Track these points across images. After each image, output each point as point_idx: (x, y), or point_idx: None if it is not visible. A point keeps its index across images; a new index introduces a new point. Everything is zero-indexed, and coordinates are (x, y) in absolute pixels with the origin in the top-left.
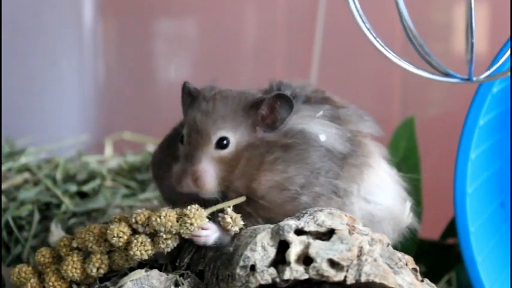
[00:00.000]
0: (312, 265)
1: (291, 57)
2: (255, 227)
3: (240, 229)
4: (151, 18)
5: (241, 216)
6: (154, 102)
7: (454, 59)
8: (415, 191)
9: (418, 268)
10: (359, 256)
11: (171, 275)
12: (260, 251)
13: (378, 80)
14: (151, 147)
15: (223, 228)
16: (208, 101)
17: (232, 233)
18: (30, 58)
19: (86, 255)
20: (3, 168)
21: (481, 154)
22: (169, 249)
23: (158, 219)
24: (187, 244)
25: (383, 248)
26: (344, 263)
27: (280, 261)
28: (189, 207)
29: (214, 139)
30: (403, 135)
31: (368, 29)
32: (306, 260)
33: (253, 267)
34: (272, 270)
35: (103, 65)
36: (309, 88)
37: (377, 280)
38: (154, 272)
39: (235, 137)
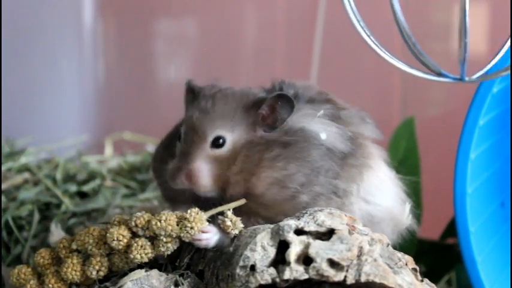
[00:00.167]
0: (312, 265)
1: (291, 57)
2: (255, 227)
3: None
4: (151, 18)
5: (241, 218)
6: (154, 102)
7: (454, 59)
8: (414, 192)
9: (418, 268)
10: (359, 256)
11: (171, 275)
12: (260, 251)
13: (378, 80)
14: (151, 147)
15: (223, 230)
16: (207, 100)
17: (232, 236)
18: (30, 58)
19: (85, 257)
20: (3, 168)
21: (481, 154)
22: (169, 252)
23: (158, 223)
24: (186, 244)
25: (383, 248)
26: (344, 263)
27: (280, 261)
28: (188, 211)
29: (210, 138)
30: (403, 135)
31: (362, 27)
32: (305, 260)
33: (253, 267)
34: (272, 270)
35: (103, 65)
36: (313, 90)
37: (377, 280)
38: (154, 272)
39: (232, 136)
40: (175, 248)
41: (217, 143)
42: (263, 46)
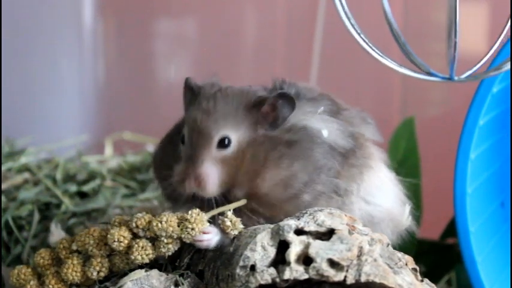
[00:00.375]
0: (312, 265)
1: (291, 57)
2: (255, 227)
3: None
4: (151, 18)
5: (241, 219)
6: (154, 102)
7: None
8: (414, 193)
9: (418, 268)
10: (359, 256)
11: (171, 275)
12: (260, 251)
13: (378, 80)
14: (151, 147)
15: (222, 231)
16: (209, 100)
17: (232, 236)
18: (30, 58)
19: (85, 258)
20: (3, 168)
21: (481, 154)
22: (170, 253)
23: (159, 224)
24: (187, 245)
25: (383, 248)
26: (344, 263)
27: (280, 261)
28: (189, 212)
29: (216, 139)
30: (403, 135)
31: (352, 25)
32: (305, 260)
33: (253, 267)
34: (272, 270)
35: (103, 65)
36: (315, 92)
37: (377, 280)
38: (154, 272)
39: (236, 136)
40: (176, 249)
41: (223, 143)
42: (263, 46)
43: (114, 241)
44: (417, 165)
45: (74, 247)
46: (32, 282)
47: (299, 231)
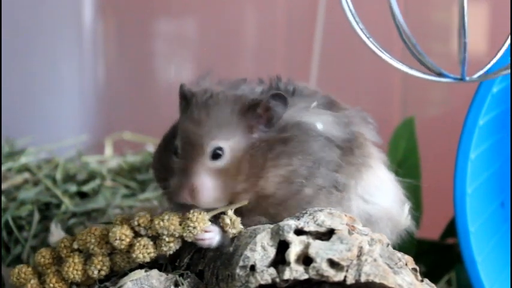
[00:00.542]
0: (312, 265)
1: (291, 57)
2: (255, 227)
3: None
4: (151, 18)
5: (242, 219)
6: (154, 102)
7: (454, 59)
8: (414, 192)
9: (418, 268)
10: (359, 256)
11: (170, 275)
12: (260, 251)
13: (378, 80)
14: (151, 147)
15: (221, 228)
16: (200, 109)
17: (231, 235)
18: (30, 58)
19: (86, 256)
20: (3, 168)
21: (481, 154)
22: (171, 252)
23: (161, 223)
24: (187, 244)
25: (383, 248)
26: (344, 263)
27: (280, 261)
28: (191, 211)
29: (209, 151)
30: (403, 135)
31: (361, 30)
32: (305, 260)
33: (253, 267)
34: (272, 270)
35: (103, 65)
36: (312, 90)
37: (377, 280)
38: (154, 272)
39: (229, 145)
40: (177, 247)
41: (216, 154)
42: (263, 46)
43: (116, 239)
44: (417, 165)
45: (75, 246)
46: (32, 281)
47: (299, 231)
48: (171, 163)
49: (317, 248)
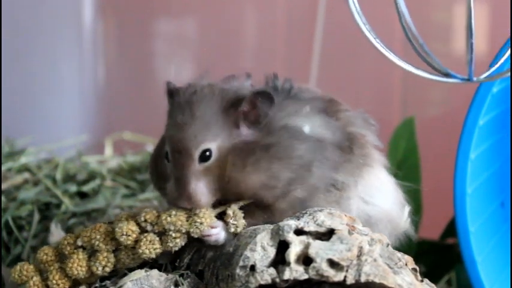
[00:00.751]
0: (312, 265)
1: (291, 57)
2: (255, 227)
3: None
4: (151, 18)
5: (245, 215)
6: (154, 102)
7: (454, 59)
8: (414, 192)
9: (417, 268)
10: (359, 256)
11: (170, 275)
12: (260, 251)
13: (378, 80)
14: (151, 147)
15: (223, 221)
16: (184, 109)
17: (232, 229)
18: (30, 58)
19: (90, 253)
20: (3, 168)
21: (481, 154)
22: (177, 248)
23: (168, 218)
24: (187, 244)
25: (383, 248)
26: (344, 263)
27: (280, 261)
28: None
29: (197, 155)
30: (403, 135)
31: (368, 30)
32: (305, 260)
33: (253, 268)
34: (272, 270)
35: (103, 65)
36: (313, 92)
37: (377, 280)
38: (154, 272)
39: (216, 144)
40: (183, 243)
41: (204, 156)
42: (263, 46)
43: (123, 234)
44: (417, 165)
45: (79, 243)
46: (34, 278)
47: (299, 232)
48: (164, 169)
49: (317, 248)
